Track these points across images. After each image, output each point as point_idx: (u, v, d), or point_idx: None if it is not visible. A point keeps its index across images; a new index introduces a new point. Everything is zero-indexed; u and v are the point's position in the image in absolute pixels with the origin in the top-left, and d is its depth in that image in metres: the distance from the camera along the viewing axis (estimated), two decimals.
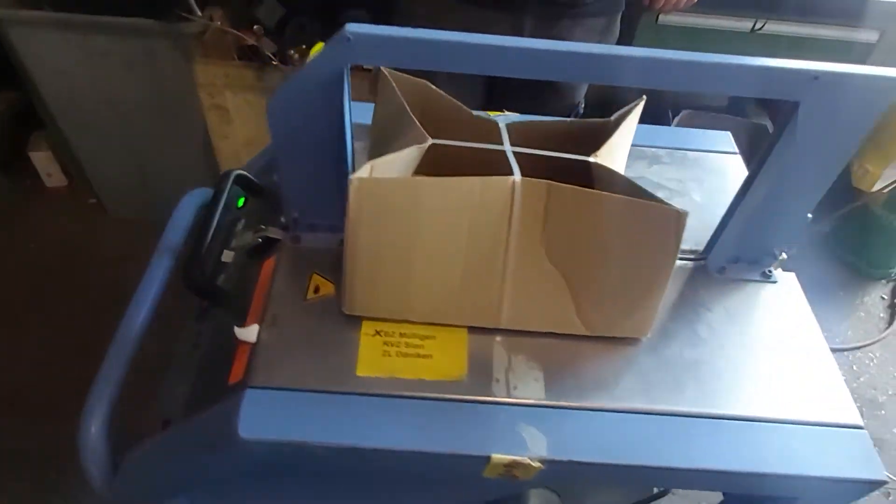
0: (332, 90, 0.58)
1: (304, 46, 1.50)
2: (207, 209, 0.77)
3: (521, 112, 0.87)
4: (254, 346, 0.62)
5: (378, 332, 0.64)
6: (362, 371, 0.61)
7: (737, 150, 0.94)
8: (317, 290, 0.68)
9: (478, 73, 0.55)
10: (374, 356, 0.62)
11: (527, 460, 0.56)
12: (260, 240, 0.75)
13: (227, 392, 0.61)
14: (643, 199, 0.58)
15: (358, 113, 0.70)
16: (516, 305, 0.64)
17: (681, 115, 2.03)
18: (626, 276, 0.62)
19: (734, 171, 0.90)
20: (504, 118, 0.74)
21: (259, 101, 1.40)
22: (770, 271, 0.74)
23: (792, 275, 0.75)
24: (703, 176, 0.89)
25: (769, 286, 0.74)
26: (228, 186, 0.80)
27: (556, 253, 0.62)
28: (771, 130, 1.11)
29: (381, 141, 0.74)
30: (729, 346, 0.67)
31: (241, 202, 0.92)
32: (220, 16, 1.50)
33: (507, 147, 0.64)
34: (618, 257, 0.61)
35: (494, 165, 0.61)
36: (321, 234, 0.72)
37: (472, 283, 0.63)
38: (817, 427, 0.61)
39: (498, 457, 0.56)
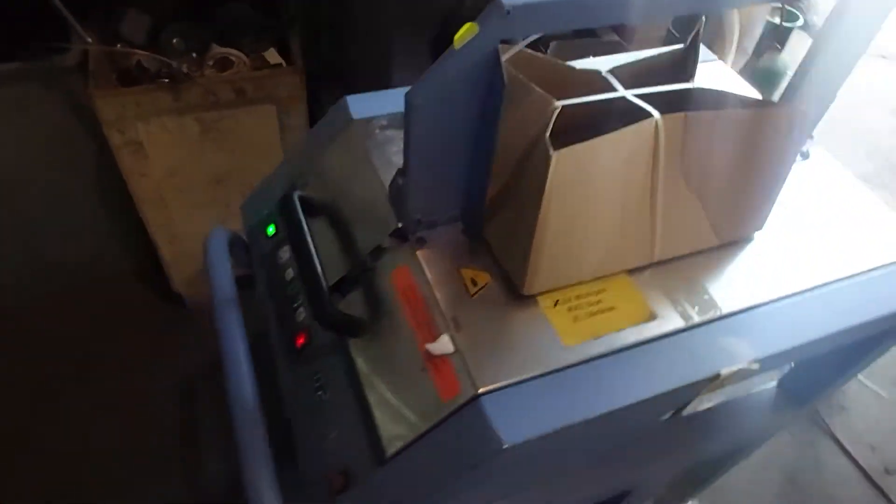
0: (486, 71, 0.55)
1: (193, 55, 1.35)
2: (297, 243, 0.70)
3: None
4: (454, 356, 0.59)
5: (557, 302, 0.64)
6: (569, 341, 0.61)
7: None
8: (474, 282, 0.65)
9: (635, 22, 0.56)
10: (568, 325, 0.62)
11: (747, 365, 0.61)
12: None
13: (449, 411, 0.57)
14: (765, 107, 0.63)
15: None
16: (665, 237, 0.67)
17: (551, 46, 2.15)
18: (753, 179, 0.68)
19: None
20: (600, 62, 0.74)
21: (178, 123, 1.24)
22: (806, 150, 0.85)
23: (820, 147, 0.87)
24: None
25: (807, 163, 0.85)
26: (296, 210, 0.73)
27: (692, 178, 0.65)
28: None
29: None
30: (803, 222, 0.76)
31: (271, 230, 0.84)
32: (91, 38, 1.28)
33: (625, 92, 0.65)
34: (747, 165, 0.66)
35: (625, 112, 0.63)
36: (441, 230, 0.69)
37: (629, 227, 0.64)
38: None
39: (726, 370, 0.61)
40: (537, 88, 0.63)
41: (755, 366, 0.62)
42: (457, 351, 0.59)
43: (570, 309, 0.64)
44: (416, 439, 0.59)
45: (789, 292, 0.68)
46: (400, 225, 0.68)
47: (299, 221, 0.73)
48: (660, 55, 0.74)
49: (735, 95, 0.67)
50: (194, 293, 1.61)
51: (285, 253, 0.82)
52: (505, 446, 0.53)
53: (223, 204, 1.44)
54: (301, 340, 0.76)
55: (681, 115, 0.62)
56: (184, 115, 1.23)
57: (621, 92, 0.65)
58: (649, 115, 0.61)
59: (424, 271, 0.65)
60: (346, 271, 0.71)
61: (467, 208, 0.67)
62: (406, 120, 0.57)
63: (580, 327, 0.62)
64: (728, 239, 0.72)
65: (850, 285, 0.70)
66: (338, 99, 0.82)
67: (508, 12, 0.51)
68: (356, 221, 0.74)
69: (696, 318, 0.64)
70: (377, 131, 0.79)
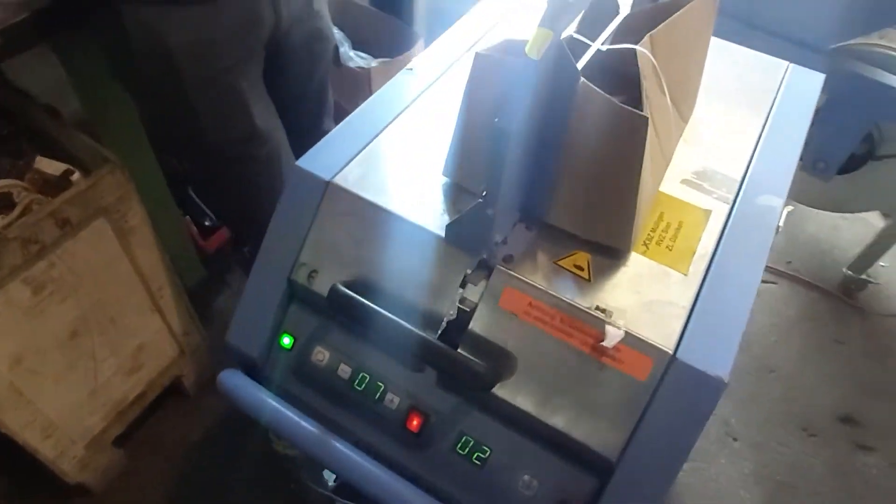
0: (557, 68, 0.53)
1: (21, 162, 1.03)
2: (374, 322, 0.63)
3: None
4: (625, 338, 0.60)
5: (646, 246, 0.68)
6: (682, 269, 0.66)
7: None
8: (579, 267, 0.65)
9: None
10: (670, 257, 0.67)
11: None
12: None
13: (655, 385, 0.59)
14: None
15: None
16: (665, 144, 0.74)
17: None
18: (696, 68, 0.77)
19: None
20: None
21: (2, 299, 0.94)
22: None
23: None
24: None
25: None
26: (351, 295, 0.65)
27: (667, 88, 0.72)
28: None
29: None
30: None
31: (287, 342, 0.74)
32: None
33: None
34: (690, 57, 0.75)
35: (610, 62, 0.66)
36: (513, 237, 0.66)
37: (656, 153, 0.70)
38: None
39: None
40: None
41: None
42: (628, 333, 0.60)
43: (657, 244, 0.68)
44: (634, 429, 0.60)
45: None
46: (484, 256, 0.64)
47: (360, 304, 0.64)
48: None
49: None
50: (95, 472, 1.30)
51: (334, 351, 0.72)
52: (726, 380, 0.58)
53: (88, 356, 1.16)
54: (416, 422, 0.69)
55: (646, 39, 0.66)
56: (5, 286, 0.94)
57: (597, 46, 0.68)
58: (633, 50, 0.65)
59: (532, 283, 0.64)
60: (443, 327, 0.65)
61: (532, 203, 0.66)
62: (497, 149, 0.53)
63: (677, 254, 0.67)
64: (686, 120, 0.81)
65: None
66: None
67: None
68: (417, 279, 0.68)
69: (730, 196, 0.74)
70: (362, 180, 0.71)
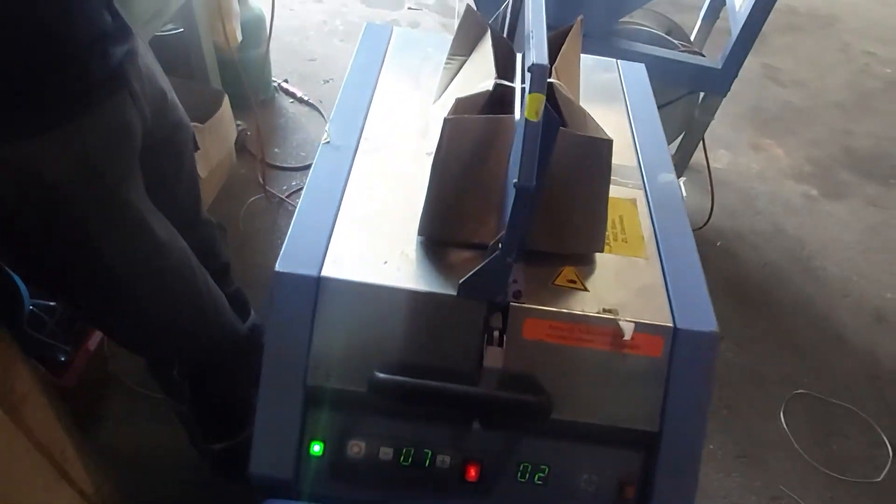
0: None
1: None
2: (423, 396, 0.66)
3: None
4: (637, 325, 0.70)
5: (608, 243, 0.78)
6: (643, 255, 0.78)
7: None
8: (571, 280, 0.73)
9: None
10: (628, 248, 0.78)
11: None
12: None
13: (668, 357, 0.70)
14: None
15: None
16: None
17: None
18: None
19: None
20: None
21: None
22: None
23: None
24: None
25: None
26: (391, 379, 0.66)
27: None
28: None
29: None
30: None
31: (318, 449, 0.73)
32: None
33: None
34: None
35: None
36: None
37: None
38: None
39: None
40: None
41: None
42: (636, 323, 0.70)
43: (615, 240, 0.79)
44: (664, 398, 0.70)
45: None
46: (498, 299, 0.69)
47: (406, 384, 0.66)
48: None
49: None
50: None
51: (370, 439, 0.71)
52: (717, 330, 0.71)
53: None
54: (474, 472, 0.72)
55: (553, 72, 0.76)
56: None
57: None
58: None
59: (546, 308, 0.70)
60: (482, 375, 0.69)
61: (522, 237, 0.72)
62: (515, 208, 0.58)
63: (633, 244, 0.79)
64: None
65: None
66: None
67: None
68: (437, 341, 0.70)
69: (639, 182, 0.88)
70: (348, 264, 0.71)
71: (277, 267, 0.70)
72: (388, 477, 0.73)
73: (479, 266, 0.65)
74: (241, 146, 2.08)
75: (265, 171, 2.03)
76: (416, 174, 0.80)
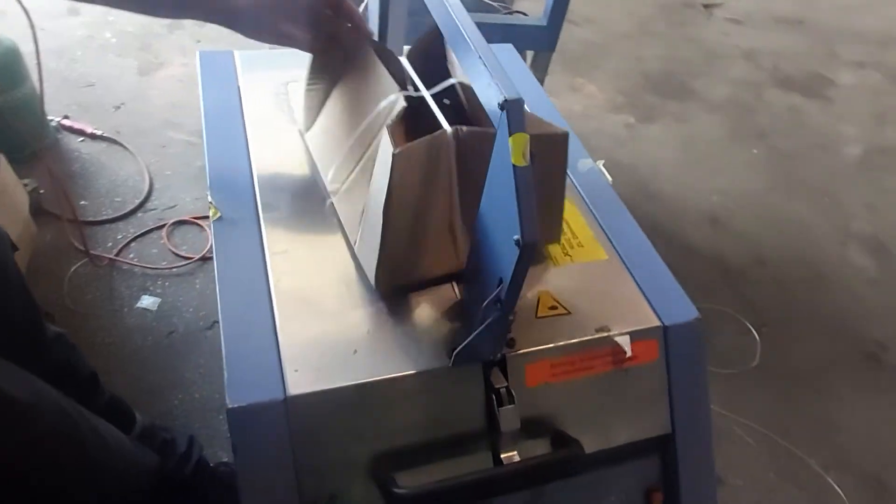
0: None
1: None
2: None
3: None
4: (631, 335, 0.67)
5: (565, 251, 0.74)
6: (603, 256, 0.74)
7: None
8: (553, 307, 0.68)
9: None
10: (584, 253, 0.74)
11: None
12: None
13: (665, 358, 0.68)
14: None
15: None
16: None
17: None
18: None
19: None
20: None
21: None
22: None
23: None
24: None
25: None
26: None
27: None
28: None
29: None
30: None
31: None
32: None
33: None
34: None
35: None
36: None
37: None
38: None
39: None
40: None
41: None
42: (626, 332, 0.67)
43: (571, 247, 0.75)
44: (670, 396, 0.69)
45: None
46: (499, 355, 0.61)
47: (436, 489, 0.56)
48: None
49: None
50: None
51: None
52: (699, 315, 0.70)
53: None
54: None
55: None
56: None
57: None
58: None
59: (542, 348, 0.64)
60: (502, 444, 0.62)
61: None
62: (519, 265, 0.50)
63: (588, 246, 0.75)
64: None
65: None
66: None
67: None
68: (437, 419, 0.61)
69: None
70: (310, 373, 0.58)
71: (229, 402, 0.55)
72: None
73: (476, 331, 0.56)
74: (36, 209, 1.71)
75: (82, 231, 1.70)
76: (336, 232, 0.68)
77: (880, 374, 1.98)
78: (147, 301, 1.70)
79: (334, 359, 0.59)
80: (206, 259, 1.82)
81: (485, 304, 0.56)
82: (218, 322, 1.75)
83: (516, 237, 0.49)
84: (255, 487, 0.55)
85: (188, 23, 2.56)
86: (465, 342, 0.58)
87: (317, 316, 0.63)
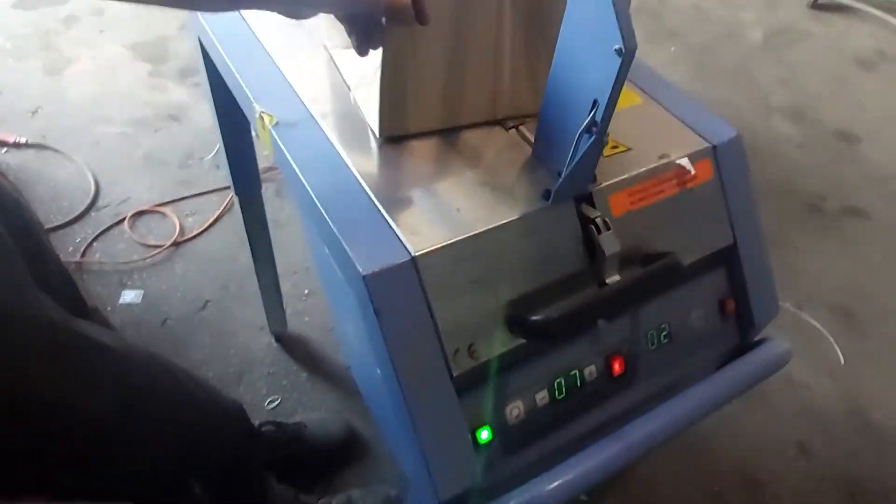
0: None
1: None
2: None
3: None
4: (690, 157, 0.72)
5: None
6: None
7: None
8: (615, 147, 0.71)
9: None
10: None
11: None
12: None
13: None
14: None
15: None
16: None
17: None
18: None
19: None
20: None
21: None
22: None
23: None
24: None
25: None
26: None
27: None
28: None
29: None
30: None
31: (488, 436, 0.66)
32: None
33: None
34: None
35: None
36: None
37: None
38: None
39: None
40: None
41: None
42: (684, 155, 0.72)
43: None
44: (727, 209, 0.75)
45: None
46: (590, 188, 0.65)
47: (563, 315, 0.60)
48: None
49: None
50: None
51: (523, 394, 0.65)
52: (738, 131, 0.76)
53: None
54: (618, 366, 0.70)
55: None
56: None
57: None
58: None
59: (619, 179, 0.68)
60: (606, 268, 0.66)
61: None
62: (619, 76, 0.54)
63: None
64: None
65: None
66: None
67: None
68: (546, 260, 0.64)
69: None
70: (427, 230, 0.60)
71: (363, 270, 0.55)
72: (553, 419, 0.67)
73: (572, 166, 0.60)
74: None
75: None
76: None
77: (825, 221, 2.19)
78: (129, 296, 1.63)
79: (442, 219, 0.61)
80: (178, 244, 1.75)
81: (579, 132, 0.59)
82: (210, 301, 1.70)
83: (617, 46, 0.52)
84: (402, 346, 0.57)
85: (85, 14, 2.39)
86: (564, 176, 0.61)
87: (408, 188, 0.64)
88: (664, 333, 0.74)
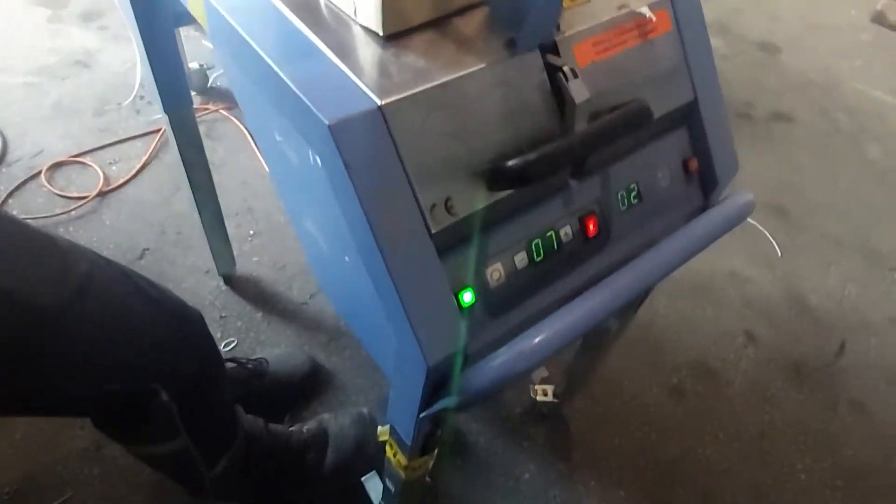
0: None
1: None
2: None
3: None
4: (650, 7, 0.70)
5: None
6: None
7: None
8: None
9: None
10: None
11: None
12: None
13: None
14: None
15: None
16: None
17: None
18: None
19: None
20: None
21: None
22: None
23: None
24: None
25: None
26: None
27: None
28: None
29: None
30: None
31: (472, 298, 0.64)
32: None
33: None
34: None
35: None
36: None
37: None
38: None
39: None
40: None
41: None
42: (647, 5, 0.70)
43: None
44: (686, 61, 0.74)
45: None
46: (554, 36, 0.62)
47: (543, 154, 0.57)
48: None
49: None
50: None
51: (501, 255, 0.63)
52: None
53: None
54: (593, 226, 0.69)
55: None
56: None
57: None
58: None
59: (581, 28, 0.66)
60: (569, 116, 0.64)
61: None
62: None
63: None
64: None
65: None
66: None
67: None
68: (516, 110, 0.61)
69: None
70: (391, 79, 0.56)
71: (328, 120, 0.51)
72: (533, 282, 0.66)
73: (533, 7, 0.57)
74: None
75: None
76: None
77: (755, 127, 2.27)
78: None
79: (407, 71, 0.57)
80: (104, 194, 1.63)
81: None
82: (148, 250, 1.60)
83: None
84: (376, 202, 0.53)
85: None
86: (526, 20, 0.58)
87: (368, 45, 0.60)
88: (634, 194, 0.73)
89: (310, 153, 0.58)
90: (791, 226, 1.93)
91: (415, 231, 0.55)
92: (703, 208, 0.80)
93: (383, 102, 0.54)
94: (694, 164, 0.78)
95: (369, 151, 0.53)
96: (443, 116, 0.57)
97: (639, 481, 1.32)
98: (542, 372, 1.43)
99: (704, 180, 0.80)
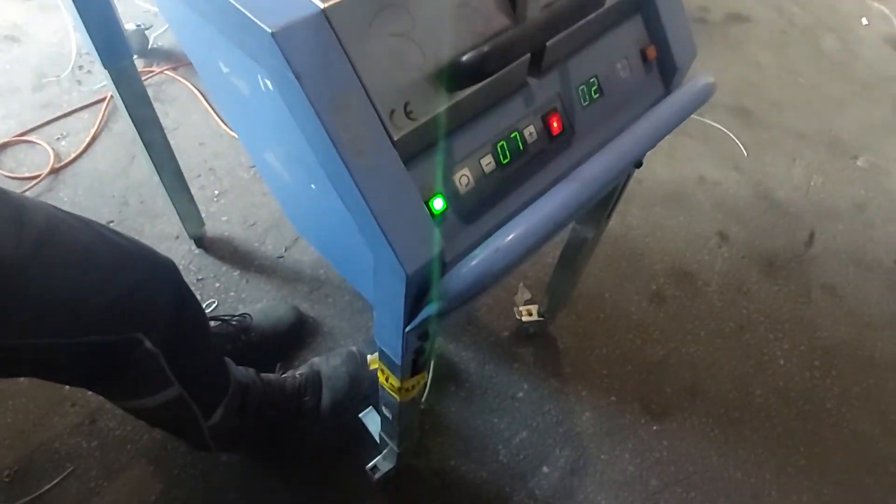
0: None
1: None
2: None
3: None
4: None
5: None
6: None
7: None
8: None
9: None
10: None
11: None
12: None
13: None
14: None
15: None
16: None
17: None
18: None
19: None
20: None
21: None
22: None
23: None
24: None
25: None
26: None
27: None
28: None
29: None
30: None
31: (443, 205, 0.63)
32: None
33: None
34: None
35: None
36: None
37: None
38: None
39: None
40: None
41: None
42: None
43: None
44: None
45: None
46: None
47: (499, 45, 0.56)
48: None
49: None
50: None
51: (467, 160, 0.62)
52: None
53: None
54: (557, 124, 0.69)
55: None
56: None
57: None
58: None
59: None
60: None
61: None
62: None
63: None
64: None
65: None
66: None
67: None
68: (467, 10, 0.59)
69: None
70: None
71: (270, 28, 0.49)
72: (503, 185, 0.65)
73: None
74: None
75: None
76: None
77: (711, 29, 2.25)
78: None
79: None
80: (56, 171, 1.58)
81: None
82: (112, 222, 1.55)
83: None
84: (333, 112, 0.52)
85: None
86: None
87: None
88: (594, 87, 0.72)
89: (259, 78, 0.56)
90: (755, 125, 1.95)
91: (377, 139, 0.54)
92: (665, 97, 0.79)
93: (326, 5, 0.51)
94: (652, 53, 0.77)
95: (318, 59, 0.51)
96: (391, 16, 0.55)
97: (628, 384, 1.36)
98: (525, 293, 1.45)
99: (664, 68, 0.79)
